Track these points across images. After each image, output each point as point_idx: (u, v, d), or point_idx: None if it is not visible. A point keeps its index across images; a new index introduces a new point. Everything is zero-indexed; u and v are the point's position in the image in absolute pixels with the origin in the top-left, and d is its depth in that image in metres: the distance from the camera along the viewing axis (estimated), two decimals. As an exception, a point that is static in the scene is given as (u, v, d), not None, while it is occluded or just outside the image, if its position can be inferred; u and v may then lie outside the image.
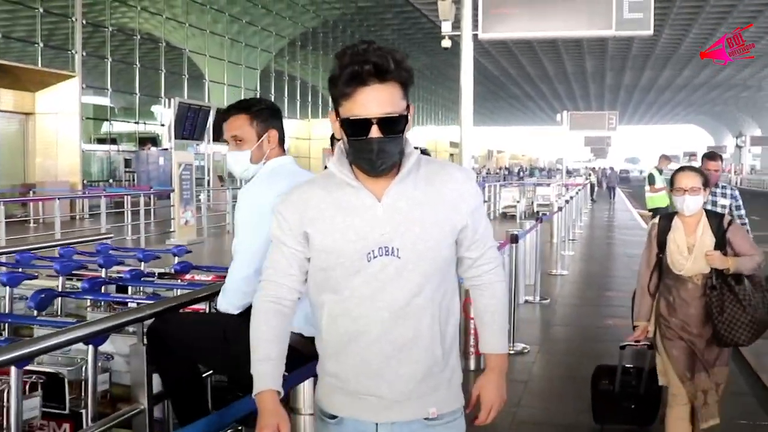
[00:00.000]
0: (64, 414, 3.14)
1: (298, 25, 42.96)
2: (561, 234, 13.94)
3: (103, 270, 4.57)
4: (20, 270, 4.73)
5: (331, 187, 2.09)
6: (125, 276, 4.33)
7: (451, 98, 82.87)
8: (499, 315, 2.28)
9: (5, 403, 2.77)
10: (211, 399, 3.41)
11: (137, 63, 29.00)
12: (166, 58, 31.01)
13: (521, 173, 59.94)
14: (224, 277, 3.26)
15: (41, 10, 23.89)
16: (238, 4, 36.20)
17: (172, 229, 15.99)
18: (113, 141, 28.68)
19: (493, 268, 2.27)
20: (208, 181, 26.38)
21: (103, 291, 4.23)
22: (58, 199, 15.95)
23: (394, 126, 1.99)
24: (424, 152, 5.16)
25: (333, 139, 4.11)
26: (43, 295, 3.77)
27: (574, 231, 17.48)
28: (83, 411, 3.05)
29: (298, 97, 43.79)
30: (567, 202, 15.66)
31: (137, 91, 29.18)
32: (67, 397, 3.14)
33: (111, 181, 27.51)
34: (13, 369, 2.59)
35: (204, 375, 3.37)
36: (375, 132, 1.96)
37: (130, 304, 3.94)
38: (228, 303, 3.13)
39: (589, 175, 43.90)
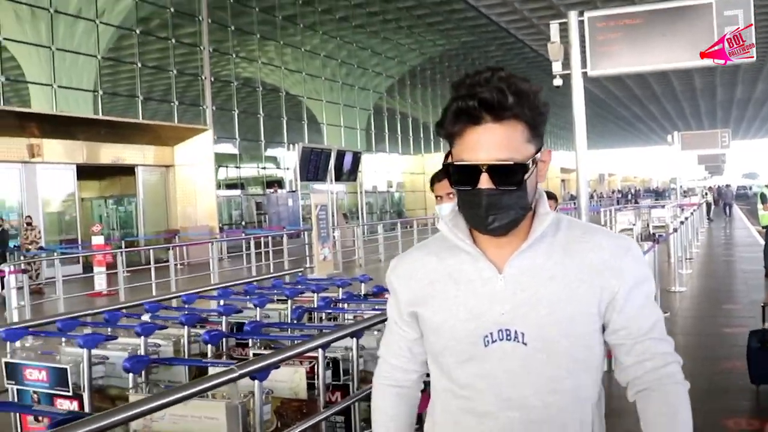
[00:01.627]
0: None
1: (404, 64, 44.35)
2: (678, 254, 14.50)
3: (315, 294, 5.65)
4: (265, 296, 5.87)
5: (444, 253, 1.73)
6: (342, 297, 5.58)
7: (558, 124, 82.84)
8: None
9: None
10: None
11: (261, 112, 31.02)
12: (286, 105, 32.97)
13: (631, 196, 59.04)
14: None
15: (175, 71, 26.09)
16: (345, 48, 37.96)
17: (311, 265, 17.39)
18: (242, 186, 30.67)
19: (661, 366, 1.70)
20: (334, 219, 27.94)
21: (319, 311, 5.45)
22: (216, 241, 17.61)
23: (509, 176, 1.58)
24: (548, 195, 5.87)
25: (434, 180, 4.06)
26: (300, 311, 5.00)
27: (690, 250, 17.93)
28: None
29: (410, 133, 45.15)
30: (682, 223, 16.21)
31: (262, 138, 31.19)
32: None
33: (243, 223, 29.44)
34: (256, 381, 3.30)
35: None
36: (485, 182, 1.57)
37: (346, 316, 5.10)
38: None
39: (705, 194, 43.21)
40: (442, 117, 1.61)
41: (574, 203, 41.17)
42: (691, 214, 20.77)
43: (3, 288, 14.99)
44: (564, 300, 1.62)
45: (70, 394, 3.58)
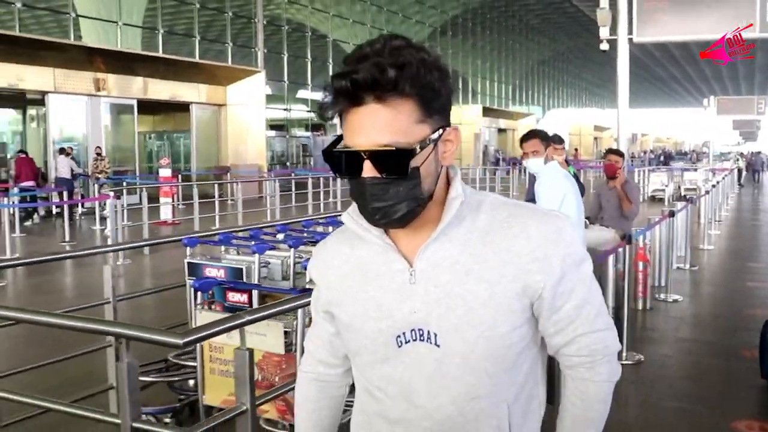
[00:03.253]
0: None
1: (442, 13, 44.75)
2: (708, 215, 15.41)
3: None
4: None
5: (357, 242, 1.53)
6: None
7: (594, 81, 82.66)
8: (581, 425, 1.57)
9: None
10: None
11: (308, 57, 31.98)
12: (326, 48, 33.79)
13: (663, 158, 58.98)
14: None
15: (230, 13, 27.04)
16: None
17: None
18: (287, 128, 31.77)
19: (587, 362, 1.53)
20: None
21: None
22: (274, 178, 18.62)
23: (393, 163, 1.35)
24: (553, 138, 6.73)
25: (522, 139, 5.51)
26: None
27: (720, 213, 18.81)
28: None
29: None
30: (713, 186, 17.08)
31: (309, 81, 32.19)
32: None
33: (288, 164, 30.64)
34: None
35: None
36: (368, 170, 1.36)
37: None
38: None
39: (737, 159, 43.57)
40: (322, 97, 1.37)
41: (597, 161, 41.84)
42: (723, 178, 21.56)
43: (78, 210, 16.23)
44: (482, 298, 1.41)
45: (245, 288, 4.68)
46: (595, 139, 67.10)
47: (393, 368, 1.50)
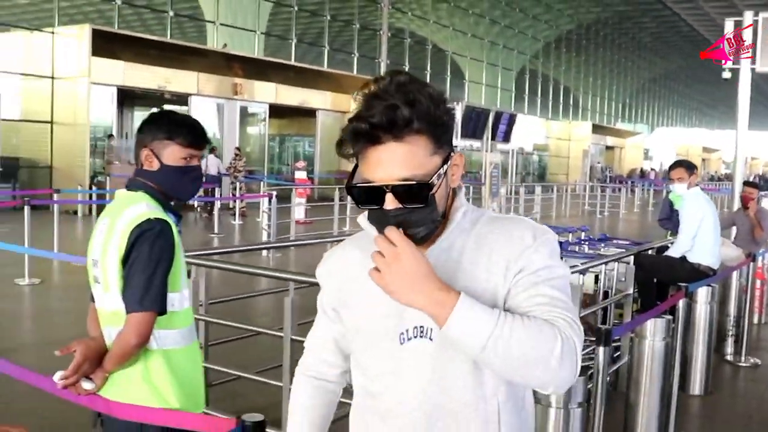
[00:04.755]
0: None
1: (554, 28, 45.29)
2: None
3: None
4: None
5: (369, 246, 1.50)
6: (573, 241, 7.72)
7: (704, 101, 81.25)
8: (521, 328, 1.39)
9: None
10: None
11: (428, 69, 33.26)
12: (438, 60, 34.89)
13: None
14: (629, 242, 6.47)
15: (357, 25, 28.54)
16: (499, 8, 39.39)
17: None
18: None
19: (547, 312, 1.46)
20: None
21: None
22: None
23: (414, 194, 1.46)
24: (688, 166, 7.44)
25: (670, 168, 6.87)
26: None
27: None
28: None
29: (552, 98, 46.28)
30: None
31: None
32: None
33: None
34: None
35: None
36: (390, 202, 1.45)
37: (567, 260, 7.20)
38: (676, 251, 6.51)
39: None
40: (341, 137, 1.48)
41: (716, 185, 41.56)
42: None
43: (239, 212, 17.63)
44: (474, 294, 1.45)
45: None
46: (704, 160, 66.03)
47: (395, 364, 1.58)
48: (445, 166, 1.50)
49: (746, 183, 9.40)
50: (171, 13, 23.49)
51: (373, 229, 1.53)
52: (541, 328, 1.39)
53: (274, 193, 13.39)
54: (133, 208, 2.40)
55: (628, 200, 28.62)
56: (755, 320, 8.97)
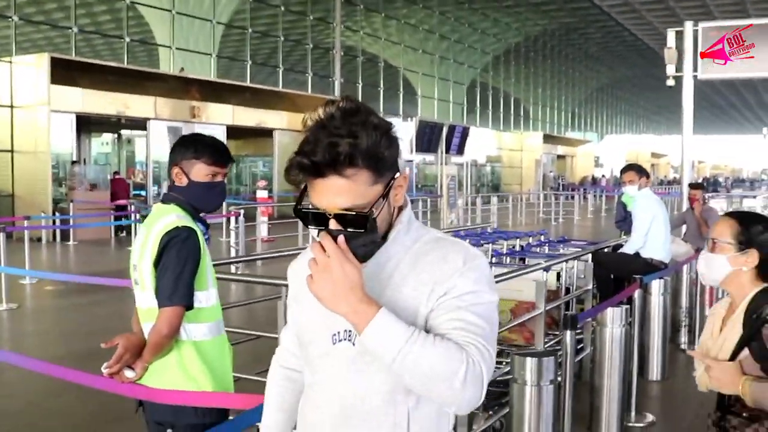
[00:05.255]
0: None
1: (502, 41, 46.00)
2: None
3: (504, 242, 8.24)
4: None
5: None
6: (534, 244, 8.15)
7: (650, 108, 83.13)
8: (431, 348, 1.49)
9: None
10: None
11: (381, 86, 33.80)
12: (394, 76, 35.45)
13: (715, 186, 58.30)
14: (586, 242, 6.92)
15: (310, 45, 28.95)
16: (447, 23, 40.10)
17: (442, 228, 19.98)
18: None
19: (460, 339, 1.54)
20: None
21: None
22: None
23: (354, 222, 1.55)
24: (640, 170, 7.80)
25: (622, 171, 7.51)
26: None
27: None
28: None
29: (503, 110, 47.07)
30: (772, 211, 18.19)
31: (381, 110, 33.93)
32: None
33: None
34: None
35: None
36: (333, 225, 1.55)
37: (529, 260, 7.62)
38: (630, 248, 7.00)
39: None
40: (288, 167, 1.58)
41: (665, 188, 42.67)
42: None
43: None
44: (396, 308, 1.55)
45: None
46: (653, 165, 67.53)
47: (325, 362, 1.69)
48: (388, 190, 1.59)
49: (691, 185, 10.33)
50: (127, 39, 23.63)
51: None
52: (450, 350, 1.48)
53: (242, 211, 13.69)
54: (165, 218, 2.75)
55: (582, 207, 29.34)
56: (706, 311, 9.50)
